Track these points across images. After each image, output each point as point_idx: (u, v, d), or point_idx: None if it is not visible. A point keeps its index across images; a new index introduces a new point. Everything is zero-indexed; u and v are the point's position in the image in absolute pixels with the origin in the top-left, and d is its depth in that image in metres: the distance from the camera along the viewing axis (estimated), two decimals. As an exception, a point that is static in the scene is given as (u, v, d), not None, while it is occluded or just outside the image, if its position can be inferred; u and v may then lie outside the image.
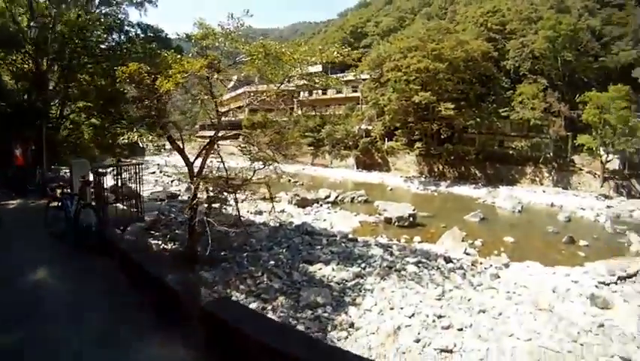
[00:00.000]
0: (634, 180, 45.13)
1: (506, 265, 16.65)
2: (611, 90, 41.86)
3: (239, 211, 14.03)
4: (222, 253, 15.19)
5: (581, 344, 10.07)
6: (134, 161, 12.50)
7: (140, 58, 16.48)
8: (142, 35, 22.89)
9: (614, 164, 45.35)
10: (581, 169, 45.36)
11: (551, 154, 45.97)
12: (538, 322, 11.10)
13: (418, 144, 49.71)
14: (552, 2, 55.86)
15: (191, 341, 3.86)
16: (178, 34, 19.73)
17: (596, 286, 14.47)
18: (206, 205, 13.40)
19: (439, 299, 12.32)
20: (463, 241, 20.35)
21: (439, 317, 11.11)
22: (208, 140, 14.98)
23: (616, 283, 15.26)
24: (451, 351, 9.65)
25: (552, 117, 46.19)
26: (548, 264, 17.20)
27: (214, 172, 14.06)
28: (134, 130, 14.76)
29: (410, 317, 11.09)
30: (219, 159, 14.10)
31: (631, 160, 45.82)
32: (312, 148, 59.60)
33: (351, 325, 10.73)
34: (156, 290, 4.88)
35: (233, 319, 3.45)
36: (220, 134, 14.63)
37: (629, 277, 16.14)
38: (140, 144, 20.61)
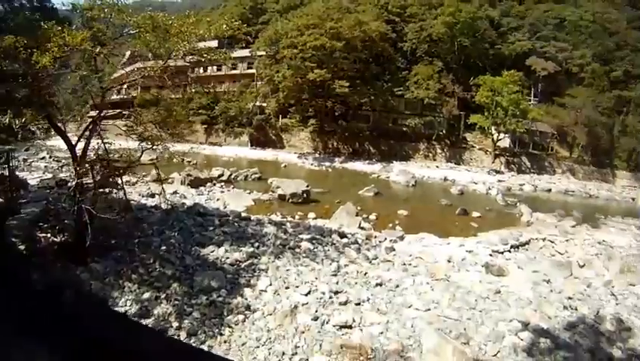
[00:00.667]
0: (524, 157, 49.07)
1: (401, 238, 16.67)
2: (505, 75, 44.52)
3: (126, 195, 13.52)
4: (113, 242, 14.06)
5: (480, 311, 10.07)
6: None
7: (21, 30, 14.56)
8: (27, 5, 21.26)
9: (505, 142, 47.93)
10: (473, 146, 47.75)
11: (444, 132, 47.90)
12: (436, 292, 11.08)
13: (312, 121, 49.30)
14: None
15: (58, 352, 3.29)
16: (64, 4, 16.21)
17: (490, 255, 14.71)
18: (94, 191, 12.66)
19: (335, 275, 12.00)
20: (357, 215, 20.09)
21: (336, 293, 10.85)
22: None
23: (509, 252, 15.70)
24: (350, 327, 9.34)
25: (446, 97, 47.88)
26: (443, 235, 17.36)
27: (101, 154, 13.16)
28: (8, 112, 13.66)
29: (306, 295, 10.75)
30: (107, 140, 13.18)
31: (521, 139, 49.34)
32: (205, 126, 56.73)
33: (248, 307, 10.25)
34: (19, 293, 4.57)
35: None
36: (103, 114, 13.66)
37: (522, 245, 16.90)
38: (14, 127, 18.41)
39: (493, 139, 45.53)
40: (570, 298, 11.60)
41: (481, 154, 47.20)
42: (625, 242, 20.54)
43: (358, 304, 10.41)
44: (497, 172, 43.26)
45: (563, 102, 52.12)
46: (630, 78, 60.85)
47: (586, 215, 27.94)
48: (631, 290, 13.08)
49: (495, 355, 8.58)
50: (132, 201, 15.16)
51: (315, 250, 14.16)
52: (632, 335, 10.01)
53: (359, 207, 21.86)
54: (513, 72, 45.30)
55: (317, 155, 47.68)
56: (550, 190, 40.30)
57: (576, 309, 10.95)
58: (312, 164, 43.34)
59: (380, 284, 11.45)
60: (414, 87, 47.07)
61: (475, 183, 35.50)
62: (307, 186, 25.37)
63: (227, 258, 13.28)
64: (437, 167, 43.44)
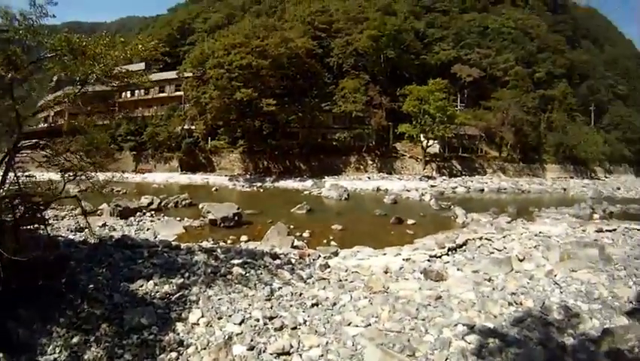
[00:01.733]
0: (454, 160, 50.38)
1: (335, 253, 15.98)
2: (431, 84, 45.60)
3: (49, 232, 12.55)
4: (40, 283, 11.95)
5: (423, 320, 9.81)
6: None
7: None
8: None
9: (435, 148, 48.93)
10: (403, 155, 48.41)
11: (374, 143, 48.35)
12: (375, 305, 10.60)
13: (241, 142, 48.39)
14: (379, 5, 59.55)
15: None
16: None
17: (428, 261, 14.49)
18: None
19: (269, 299, 11.34)
20: (289, 234, 19.49)
21: (271, 318, 10.15)
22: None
23: (447, 255, 15.54)
24: (288, 353, 8.74)
25: (374, 109, 48.47)
26: (378, 246, 16.83)
27: (19, 188, 11.62)
28: None
29: (240, 324, 10.09)
30: (28, 173, 11.94)
31: (450, 143, 50.72)
32: (134, 153, 54.22)
33: (181, 343, 9.44)
34: None
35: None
36: (20, 144, 11.96)
37: (459, 247, 16.69)
38: None
39: (422, 146, 46.54)
40: (514, 293, 11.51)
41: (412, 162, 48.05)
42: (561, 231, 20.99)
43: (295, 328, 9.91)
44: (429, 178, 44.02)
45: (489, 105, 54.71)
46: (553, 78, 65.01)
47: (520, 210, 28.50)
48: (573, 277, 13.19)
49: (444, 363, 8.65)
50: (59, 237, 13.96)
51: (248, 274, 13.51)
52: (582, 321, 9.93)
53: (292, 226, 21.52)
54: (439, 80, 46.65)
55: (248, 176, 46.43)
56: (483, 190, 41.37)
57: (521, 304, 10.85)
58: (243, 185, 42.28)
59: (316, 304, 11.04)
60: (341, 101, 47.09)
61: (408, 191, 35.57)
62: (238, 209, 24.84)
63: (157, 292, 12.48)
64: (369, 178, 43.31)
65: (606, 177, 64.97)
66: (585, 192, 46.84)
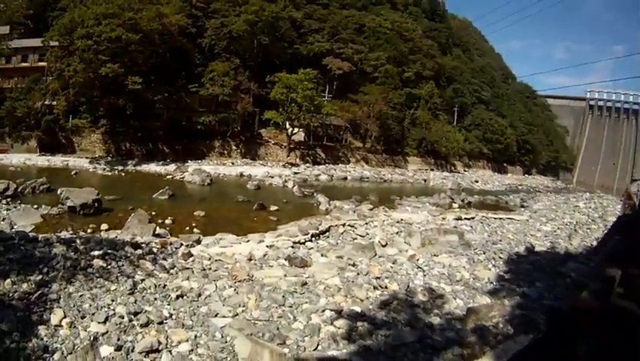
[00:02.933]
0: (318, 149, 52.45)
1: (198, 241, 15.46)
2: (301, 73, 46.75)
3: None
4: None
5: (290, 307, 9.87)
6: None
7: None
8: None
9: (300, 136, 50.61)
10: (268, 141, 49.28)
11: (239, 128, 48.78)
12: (241, 294, 10.48)
13: (103, 121, 45.71)
14: None
15: None
16: None
17: (292, 247, 14.59)
18: None
19: (132, 293, 10.66)
20: (150, 222, 18.44)
21: (135, 314, 9.55)
22: None
23: (311, 241, 15.68)
24: (157, 350, 8.27)
25: (241, 94, 48.75)
26: (241, 233, 16.64)
27: None
28: None
29: (104, 323, 9.28)
30: None
31: (315, 132, 52.80)
32: None
33: (45, 349, 8.47)
34: None
35: None
36: None
37: (323, 233, 16.94)
38: None
39: (287, 134, 47.92)
40: (378, 277, 11.80)
41: (277, 149, 49.17)
42: (422, 218, 22.34)
43: (161, 323, 9.42)
44: (293, 165, 45.40)
45: (356, 98, 57.88)
46: (421, 79, 70.80)
47: (382, 198, 30.05)
48: (435, 260, 13.98)
49: (315, 349, 8.31)
50: None
51: (109, 267, 12.64)
52: (446, 301, 10.39)
53: (153, 213, 20.72)
54: (309, 70, 47.85)
55: (109, 158, 43.85)
56: (346, 178, 43.40)
57: (386, 287, 11.16)
58: (104, 169, 40.07)
59: (181, 296, 10.60)
60: (209, 84, 46.97)
61: (272, 177, 36.15)
62: (98, 195, 23.40)
63: (16, 291, 11.15)
64: (232, 163, 43.49)
65: (465, 171, 72.49)
66: (445, 183, 51.10)
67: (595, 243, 21.04)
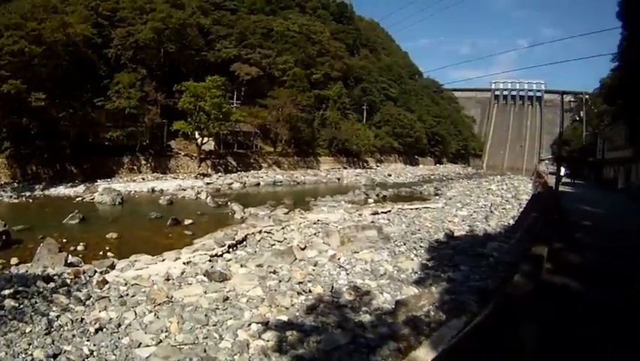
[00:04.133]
0: (229, 157, 52.96)
1: (112, 266, 14.86)
2: (208, 80, 47.08)
3: None
4: None
5: (214, 325, 9.59)
6: None
7: None
8: None
9: (210, 145, 51.10)
10: (178, 153, 48.93)
11: (148, 142, 47.65)
12: (162, 319, 10.11)
13: (6, 144, 42.66)
14: None
15: None
16: None
17: (210, 261, 14.38)
18: None
19: (48, 333, 9.88)
20: (61, 250, 17.37)
21: (55, 356, 8.87)
22: None
23: (228, 252, 15.57)
24: None
25: (148, 106, 47.90)
26: (157, 252, 16.12)
27: None
28: None
29: None
30: None
31: (226, 140, 53.52)
32: None
33: None
34: None
35: None
36: None
37: (240, 242, 16.89)
38: None
39: (197, 144, 48.06)
40: (301, 282, 11.74)
41: (187, 160, 48.89)
42: (338, 217, 22.86)
43: None
44: (205, 175, 45.45)
45: (265, 103, 59.50)
46: (329, 80, 74.29)
47: (297, 201, 30.57)
48: (357, 257, 14.19)
49: (247, 366, 8.28)
50: None
51: (22, 306, 11.72)
52: (374, 297, 10.64)
53: (64, 240, 19.62)
54: (216, 77, 48.16)
55: (16, 185, 42.02)
56: (259, 184, 43.91)
57: (310, 291, 11.09)
58: (10, 196, 37.67)
59: (100, 329, 10.04)
60: (115, 97, 45.16)
61: (184, 190, 35.78)
62: (5, 226, 21.35)
63: None
64: (143, 179, 42.09)
65: (378, 166, 77.30)
66: (359, 180, 52.85)
67: (512, 221, 22.73)
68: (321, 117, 68.57)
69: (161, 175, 45.03)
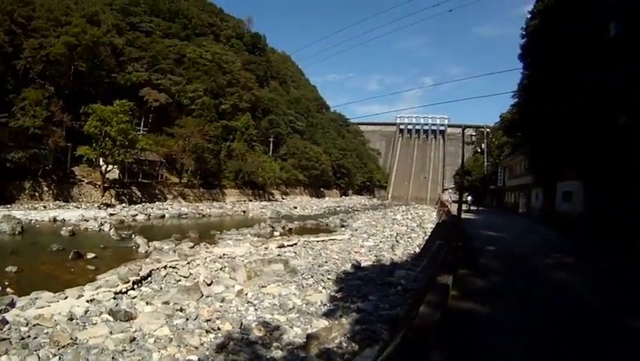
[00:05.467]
0: (134, 187, 52.51)
1: (11, 304, 13.87)
2: (116, 104, 46.06)
3: None
4: None
5: None
6: None
7: None
8: None
9: (115, 173, 50.43)
10: (81, 180, 47.48)
11: (51, 166, 45.39)
12: None
13: None
14: (87, 11, 57.90)
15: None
16: None
17: (114, 298, 14.01)
18: None
19: None
20: None
21: None
22: None
23: (133, 289, 15.15)
24: None
25: (53, 127, 45.88)
26: (59, 288, 15.26)
27: None
28: None
29: None
30: None
31: (130, 169, 53.16)
32: None
33: None
34: None
35: None
36: None
37: (144, 278, 16.51)
38: None
39: (101, 171, 47.06)
40: (209, 320, 11.72)
41: (91, 188, 47.70)
42: (244, 251, 23.02)
43: None
44: (108, 206, 44.31)
45: (172, 132, 60.50)
46: (237, 111, 77.44)
47: (203, 234, 30.37)
48: (264, 292, 14.46)
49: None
50: None
51: None
52: (284, 331, 10.81)
53: None
54: (125, 101, 47.19)
55: None
56: (164, 216, 43.31)
57: (219, 329, 11.06)
58: None
59: None
60: (20, 114, 42.90)
61: (87, 221, 34.49)
62: None
63: None
64: (45, 207, 40.40)
65: (283, 199, 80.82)
66: (264, 212, 53.40)
67: (418, 250, 23.94)
68: (227, 148, 70.75)
69: (64, 203, 43.34)
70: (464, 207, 46.82)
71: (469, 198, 49.24)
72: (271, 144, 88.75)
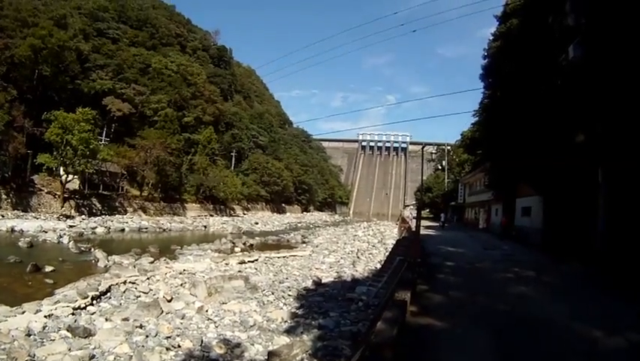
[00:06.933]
0: (94, 198, 52.60)
1: None
2: (79, 112, 46.21)
3: None
4: None
5: None
6: None
7: None
8: None
9: (75, 184, 50.51)
10: (41, 190, 47.24)
11: (10, 174, 45.42)
12: None
13: None
14: (55, 14, 58.22)
15: None
16: None
17: (73, 314, 13.83)
18: None
19: None
20: None
21: None
22: None
23: (92, 305, 15.13)
24: None
25: (14, 133, 45.68)
26: (17, 303, 15.03)
27: None
28: None
29: None
30: None
31: (91, 180, 53.49)
32: None
33: None
34: None
35: None
36: None
37: (103, 294, 16.55)
38: None
39: (61, 181, 46.89)
40: (169, 337, 11.81)
41: (50, 198, 47.44)
42: (205, 267, 23.21)
43: None
44: (68, 217, 44.01)
45: (134, 143, 61.17)
46: (200, 124, 78.95)
47: (163, 249, 30.58)
48: (225, 309, 14.57)
49: None
50: None
51: None
52: (245, 349, 10.96)
53: None
54: (88, 110, 47.36)
55: None
56: (123, 230, 43.30)
57: (179, 346, 11.20)
58: None
59: None
60: None
61: (46, 232, 34.40)
62: None
63: None
64: (2, 216, 40.09)
65: (245, 214, 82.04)
66: (225, 228, 53.33)
67: (379, 265, 23.95)
68: (189, 162, 71.69)
69: (22, 213, 42.92)
70: (436, 223, 48.66)
71: (442, 215, 50.15)
72: (233, 159, 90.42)
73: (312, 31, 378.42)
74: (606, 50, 14.56)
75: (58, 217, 43.06)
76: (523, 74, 21.13)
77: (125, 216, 52.85)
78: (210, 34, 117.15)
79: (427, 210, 74.90)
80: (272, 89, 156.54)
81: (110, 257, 25.24)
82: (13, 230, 34.91)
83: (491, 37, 32.20)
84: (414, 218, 57.25)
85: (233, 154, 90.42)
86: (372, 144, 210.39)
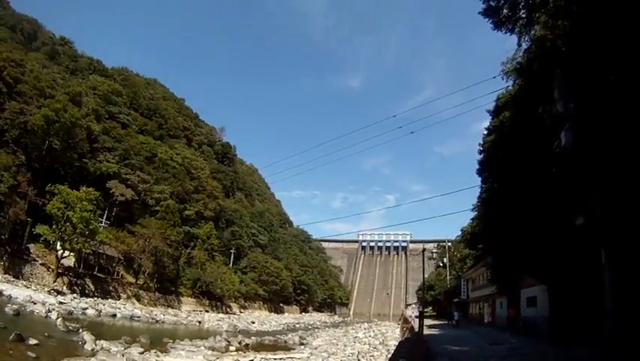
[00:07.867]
0: (88, 279, 51.92)
1: None
2: (82, 191, 47.53)
3: None
4: None
5: None
6: None
7: None
8: None
9: (70, 261, 50.38)
10: (35, 260, 47.29)
11: (7, 237, 45.75)
12: None
13: None
14: (71, 90, 61.59)
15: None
16: None
17: None
18: None
19: None
20: None
21: None
22: None
23: None
24: None
25: (17, 198, 46.46)
26: None
27: None
28: None
29: None
30: None
31: (87, 259, 53.29)
32: None
33: None
34: None
35: None
36: None
37: None
38: None
39: (57, 255, 46.99)
40: None
41: (43, 270, 47.23)
42: None
43: None
44: (59, 293, 43.77)
45: (134, 230, 61.41)
46: (201, 218, 79.69)
47: (154, 340, 29.75)
48: None
49: None
50: None
51: None
52: None
53: None
54: (91, 190, 48.60)
55: None
56: (115, 315, 42.73)
57: None
58: None
59: None
60: None
61: (34, 303, 34.16)
62: None
63: None
64: None
65: (241, 312, 79.82)
66: (220, 325, 52.12)
67: None
68: (188, 255, 71.31)
69: (13, 279, 42.56)
70: (439, 322, 48.03)
71: (456, 313, 48.25)
72: (232, 256, 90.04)
73: (314, 134, 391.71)
74: (595, 132, 15.29)
75: (49, 291, 42.58)
76: (519, 164, 21.82)
77: (118, 301, 51.74)
78: (216, 130, 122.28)
79: (430, 308, 73.36)
80: (273, 188, 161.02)
81: (98, 341, 24.48)
82: (1, 293, 34.57)
83: (485, 132, 33.45)
84: (416, 317, 56.63)
85: (232, 251, 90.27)
86: (372, 244, 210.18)
